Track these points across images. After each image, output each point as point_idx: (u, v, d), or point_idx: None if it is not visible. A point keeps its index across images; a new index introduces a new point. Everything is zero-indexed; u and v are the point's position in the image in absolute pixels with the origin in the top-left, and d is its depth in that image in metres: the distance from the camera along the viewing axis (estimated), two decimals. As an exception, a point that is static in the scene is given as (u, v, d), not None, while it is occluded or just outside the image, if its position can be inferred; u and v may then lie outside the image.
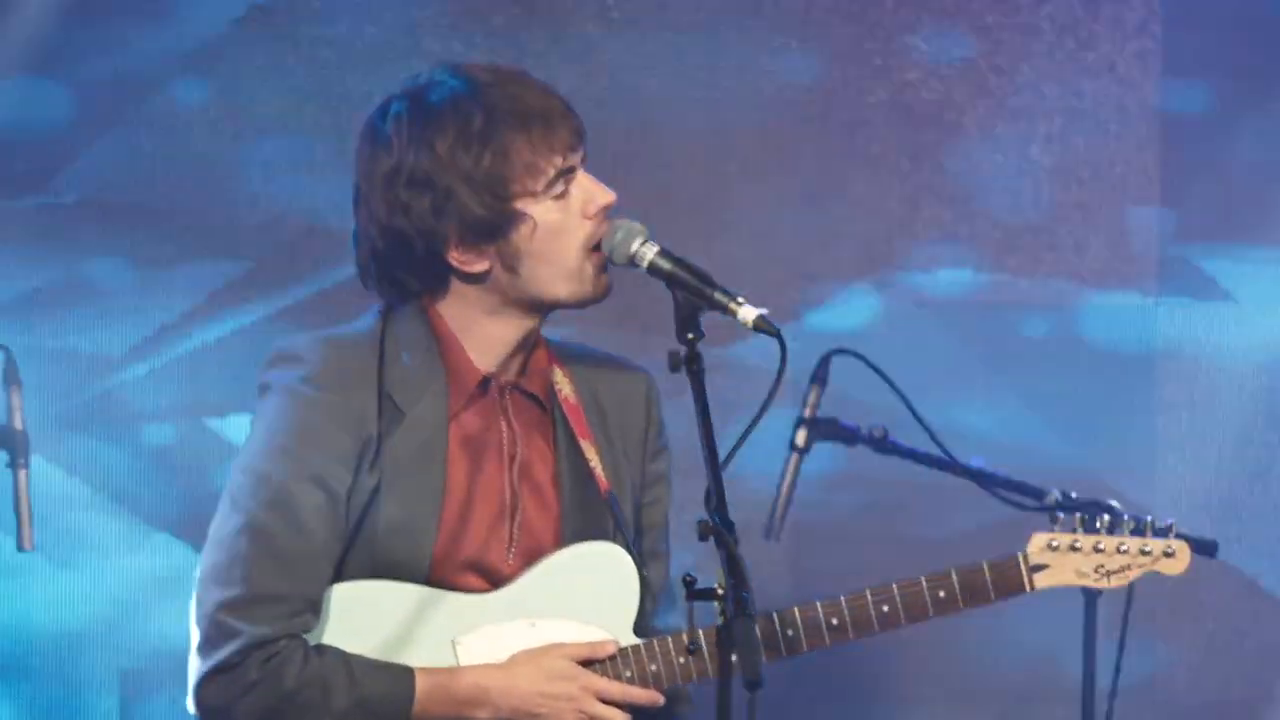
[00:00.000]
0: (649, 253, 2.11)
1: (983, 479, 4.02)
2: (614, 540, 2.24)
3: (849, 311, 4.84)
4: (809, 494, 4.52)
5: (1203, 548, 2.95)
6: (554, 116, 2.18)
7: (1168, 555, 2.38)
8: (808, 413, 4.11)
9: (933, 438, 4.07)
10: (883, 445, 4.10)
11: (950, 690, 4.95)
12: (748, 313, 2.06)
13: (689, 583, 2.07)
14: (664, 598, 2.31)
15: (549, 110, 2.19)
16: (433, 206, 2.13)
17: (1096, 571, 2.35)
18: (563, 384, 2.28)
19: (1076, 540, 2.34)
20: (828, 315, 4.80)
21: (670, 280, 2.08)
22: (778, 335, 2.04)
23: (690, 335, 2.02)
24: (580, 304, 2.22)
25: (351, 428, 2.15)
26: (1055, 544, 2.33)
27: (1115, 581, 2.37)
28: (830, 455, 4.39)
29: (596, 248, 2.18)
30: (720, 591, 1.97)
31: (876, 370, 4.05)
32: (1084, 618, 3.95)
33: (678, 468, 2.36)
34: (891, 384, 4.00)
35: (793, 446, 4.14)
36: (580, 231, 2.18)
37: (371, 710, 2.12)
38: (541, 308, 2.21)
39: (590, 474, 2.24)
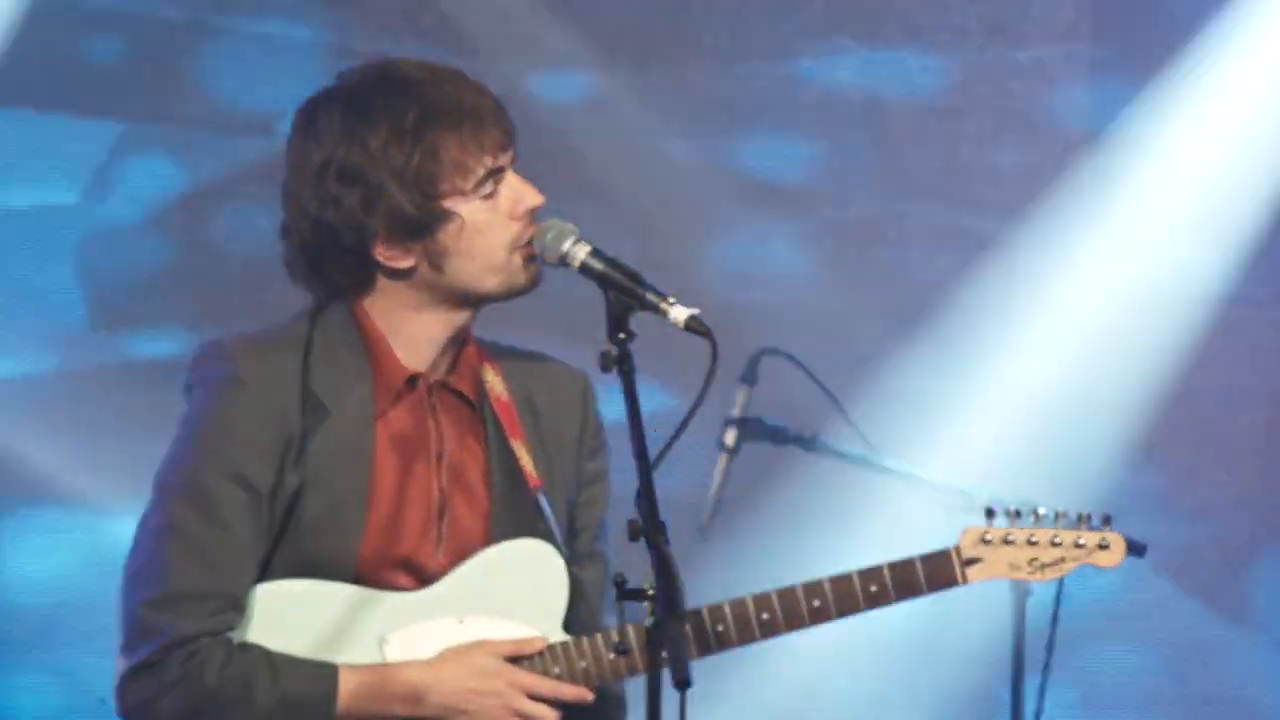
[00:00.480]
0: (580, 253, 2.11)
1: (911, 478, 4.05)
2: (544, 538, 2.23)
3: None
4: (740, 493, 4.54)
5: (1133, 548, 2.95)
6: (486, 116, 2.18)
7: (1102, 548, 2.36)
8: (736, 413, 4.13)
9: (862, 437, 4.10)
10: (812, 445, 4.12)
11: (877, 691, 4.99)
12: (679, 313, 2.06)
13: (619, 582, 2.07)
14: (601, 598, 2.30)
15: (481, 110, 2.18)
16: (362, 201, 2.13)
17: (1030, 565, 2.34)
18: (494, 383, 2.27)
19: (1010, 533, 2.33)
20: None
21: (602, 280, 2.08)
22: (709, 335, 2.05)
23: (621, 335, 2.02)
24: (509, 295, 2.21)
25: (275, 426, 2.14)
26: (988, 537, 2.32)
27: (1049, 574, 2.37)
28: (760, 455, 4.42)
29: (525, 245, 2.18)
30: (650, 591, 1.97)
31: (806, 371, 4.07)
32: (1013, 615, 3.98)
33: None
34: (821, 384, 4.02)
35: (722, 446, 4.15)
36: (507, 232, 2.17)
37: (295, 707, 2.10)
38: (470, 302, 2.21)
39: (520, 473, 2.24)
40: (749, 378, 4.16)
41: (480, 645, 2.17)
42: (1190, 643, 5.00)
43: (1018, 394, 4.94)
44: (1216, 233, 5.02)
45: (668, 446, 2.01)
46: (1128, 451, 4.97)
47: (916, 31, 5.03)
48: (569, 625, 2.23)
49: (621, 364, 2.01)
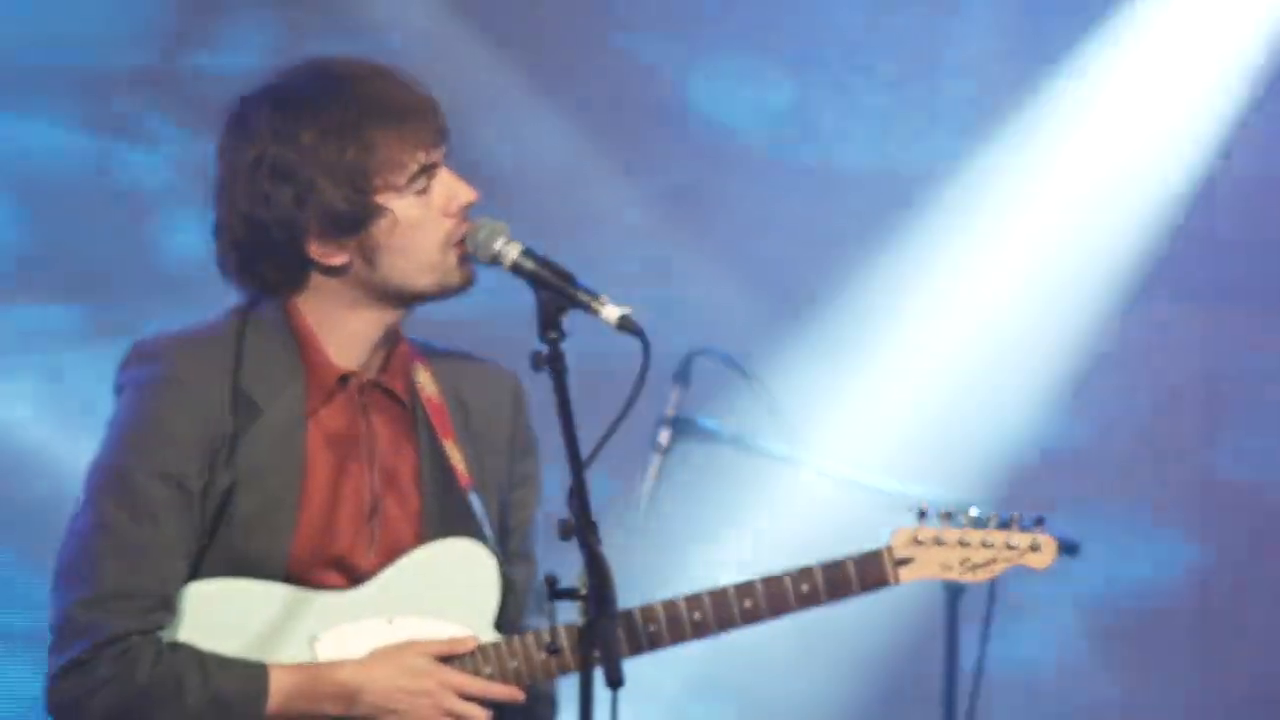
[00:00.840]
0: (512, 252, 2.11)
1: (845, 478, 4.07)
2: (475, 538, 2.23)
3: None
4: (673, 492, 4.55)
5: (1065, 548, 2.96)
6: (419, 112, 2.18)
7: (1034, 549, 2.37)
8: (670, 412, 4.14)
9: (794, 436, 4.12)
10: (745, 445, 4.13)
11: (810, 692, 5.02)
12: (611, 312, 2.06)
13: (551, 582, 2.07)
14: (531, 598, 2.30)
15: (414, 106, 2.18)
16: (294, 197, 2.12)
17: (962, 565, 2.35)
18: (426, 382, 2.27)
19: (942, 534, 2.34)
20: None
21: (533, 279, 2.08)
22: (641, 335, 2.05)
23: (553, 334, 2.02)
24: (443, 295, 2.21)
25: (206, 425, 2.13)
26: (920, 538, 2.33)
27: (981, 575, 2.38)
28: (694, 454, 4.43)
29: (459, 242, 2.17)
30: (582, 591, 1.98)
31: (739, 370, 4.08)
32: (945, 614, 4.02)
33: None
34: (754, 383, 4.03)
35: (656, 446, 4.16)
36: (440, 228, 2.17)
37: (225, 706, 2.09)
38: (402, 300, 2.21)
39: (451, 472, 2.23)
40: (682, 377, 4.17)
41: (411, 645, 2.16)
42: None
43: (913, 385, 4.99)
44: (1113, 229, 5.09)
45: (600, 446, 2.01)
46: (1029, 442, 5.03)
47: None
48: (500, 625, 2.23)
49: (553, 363, 2.01)
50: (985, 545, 2.36)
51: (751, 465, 4.35)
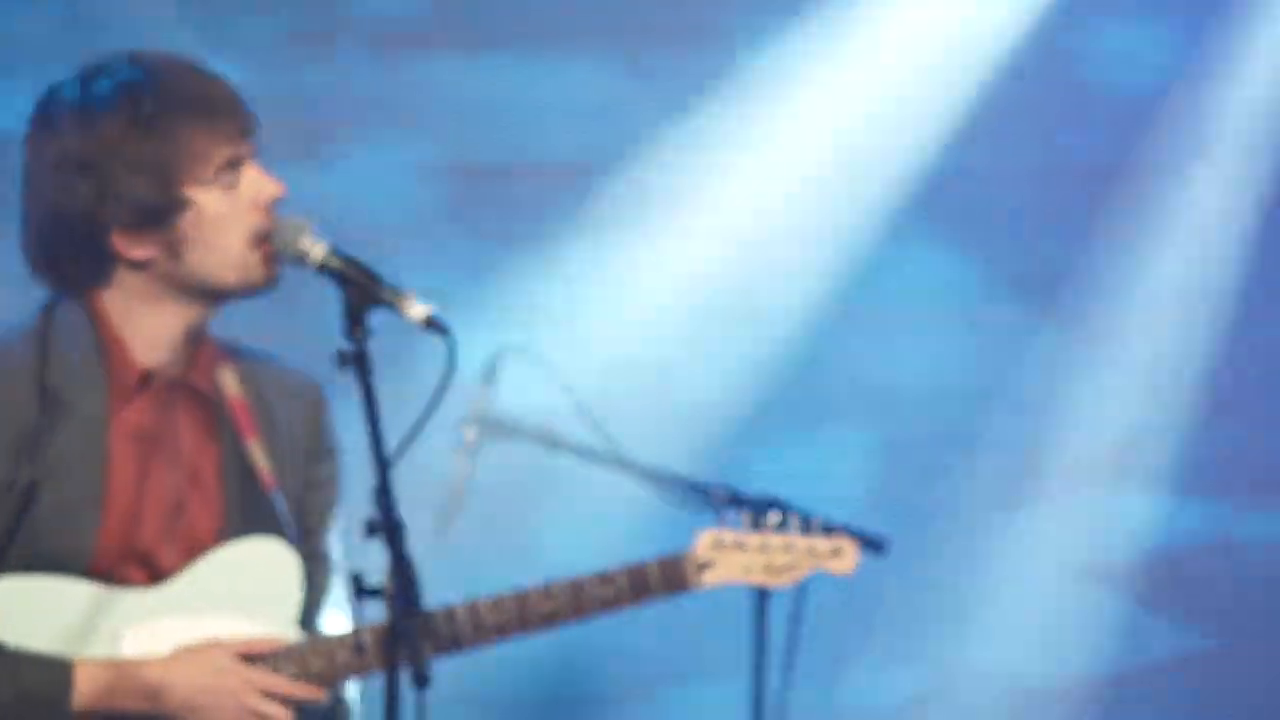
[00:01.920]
0: (318, 250, 2.10)
1: (654, 476, 4.10)
2: (279, 537, 2.22)
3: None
4: (487, 490, 4.55)
5: (871, 547, 3.00)
6: (224, 105, 2.18)
7: (835, 554, 2.40)
8: (476, 411, 4.14)
9: (604, 435, 4.14)
10: (553, 442, 4.14)
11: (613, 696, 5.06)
12: (416, 310, 2.06)
13: (357, 581, 2.06)
14: (325, 600, 2.31)
15: (219, 99, 2.18)
16: (98, 190, 2.10)
17: (764, 570, 2.38)
18: (229, 381, 2.26)
19: (743, 539, 2.36)
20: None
21: (339, 278, 2.07)
22: (446, 333, 2.06)
23: (358, 333, 2.02)
24: (247, 292, 2.20)
25: (8, 422, 2.11)
26: (723, 541, 2.35)
27: (784, 579, 2.40)
28: (501, 453, 4.43)
29: (265, 239, 2.16)
30: (387, 590, 1.97)
31: (547, 369, 4.09)
32: (752, 618, 4.06)
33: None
34: (561, 383, 4.04)
35: (462, 445, 4.15)
36: (246, 222, 2.16)
37: (31, 703, 2.07)
38: (207, 296, 2.19)
39: (254, 472, 2.23)
40: (489, 375, 4.17)
41: (215, 644, 2.15)
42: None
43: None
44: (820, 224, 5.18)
45: (405, 444, 2.01)
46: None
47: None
48: (303, 624, 2.23)
49: (358, 362, 2.00)
50: (787, 550, 2.39)
51: (558, 464, 4.36)
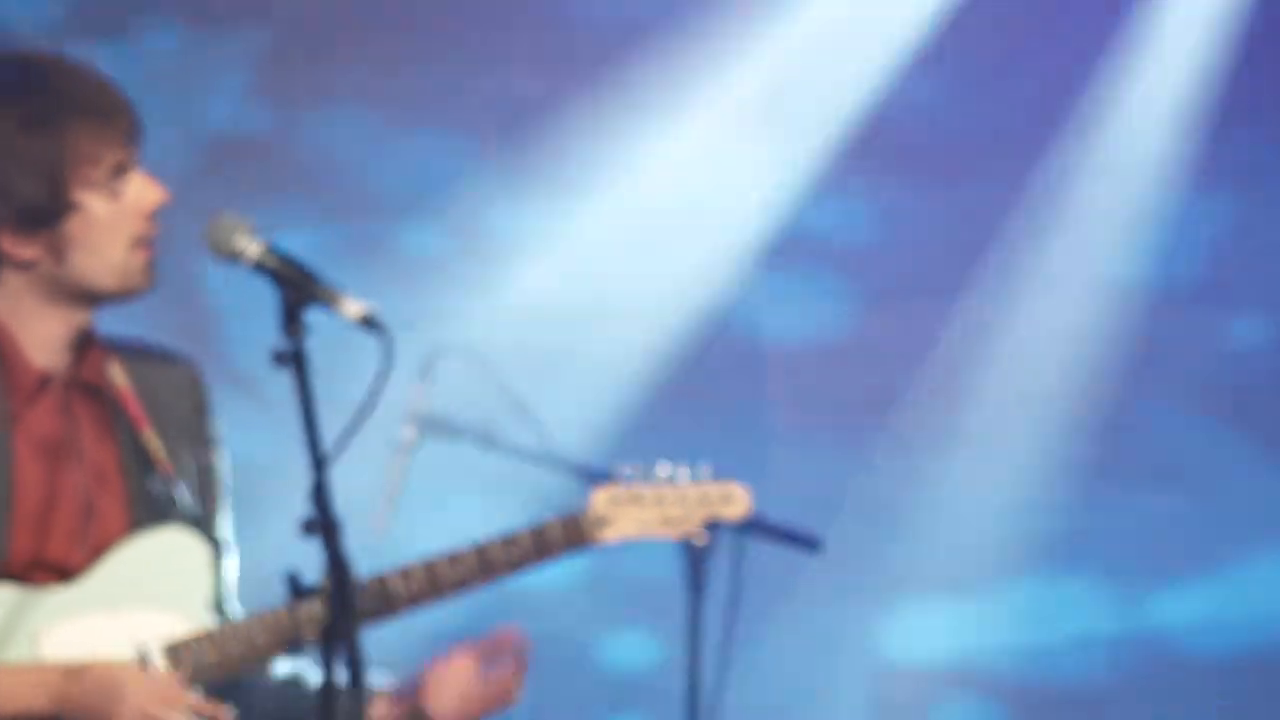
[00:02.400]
0: (254, 248, 2.08)
1: (590, 474, 4.11)
2: (183, 525, 2.22)
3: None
4: (420, 488, 4.53)
5: (806, 542, 3.00)
6: (113, 109, 2.17)
7: (726, 499, 2.43)
8: (413, 410, 4.13)
9: (541, 433, 4.14)
10: (490, 441, 4.14)
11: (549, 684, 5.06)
12: (353, 308, 2.06)
13: (293, 580, 2.06)
14: (231, 584, 2.32)
15: (109, 103, 2.17)
16: None
17: (660, 522, 2.41)
18: (116, 374, 2.26)
19: (637, 492, 2.40)
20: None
21: (275, 276, 2.05)
22: (383, 332, 2.06)
23: (294, 331, 2.02)
24: (125, 295, 2.21)
25: None
26: (618, 496, 2.39)
27: (681, 530, 2.43)
28: (439, 452, 4.42)
29: (146, 244, 2.18)
30: (323, 589, 1.98)
31: (483, 368, 4.09)
32: (687, 576, 4.04)
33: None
34: (498, 382, 4.04)
35: (399, 443, 4.15)
36: (130, 227, 2.17)
37: None
38: (88, 298, 2.19)
39: (152, 462, 2.23)
40: (426, 374, 4.17)
41: (127, 642, 2.15)
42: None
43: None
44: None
45: (342, 443, 2.01)
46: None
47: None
48: (216, 609, 2.24)
49: (295, 361, 2.00)
50: (680, 500, 2.42)
51: (497, 462, 4.36)
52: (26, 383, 2.16)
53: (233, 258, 2.09)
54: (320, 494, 1.97)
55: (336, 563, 1.96)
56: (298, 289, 2.04)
